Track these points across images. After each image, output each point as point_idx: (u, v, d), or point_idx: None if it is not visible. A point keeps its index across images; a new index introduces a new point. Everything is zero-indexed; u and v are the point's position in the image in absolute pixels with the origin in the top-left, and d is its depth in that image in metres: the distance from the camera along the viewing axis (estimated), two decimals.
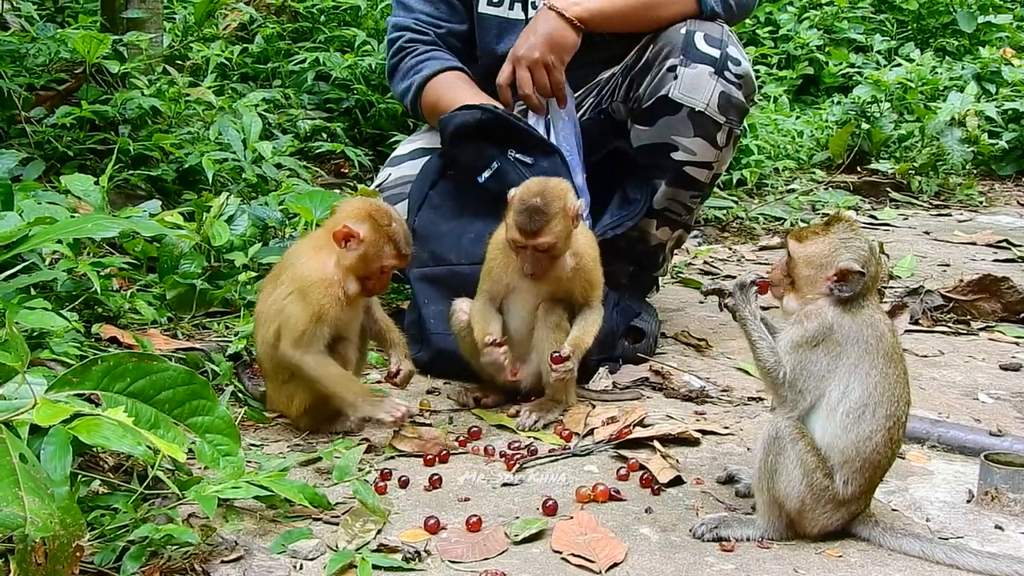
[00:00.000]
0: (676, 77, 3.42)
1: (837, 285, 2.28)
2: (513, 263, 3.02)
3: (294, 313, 2.78)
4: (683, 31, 3.46)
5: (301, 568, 2.15)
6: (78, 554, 1.76)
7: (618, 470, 2.69)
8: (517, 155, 3.39)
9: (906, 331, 4.09)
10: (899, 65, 8.70)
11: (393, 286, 3.99)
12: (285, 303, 2.80)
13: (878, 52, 9.63)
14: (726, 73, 3.42)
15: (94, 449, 2.31)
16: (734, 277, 2.46)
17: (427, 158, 3.71)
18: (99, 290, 3.11)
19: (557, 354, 2.96)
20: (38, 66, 4.41)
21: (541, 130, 3.52)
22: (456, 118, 3.46)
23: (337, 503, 2.41)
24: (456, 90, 3.63)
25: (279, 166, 4.56)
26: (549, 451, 2.83)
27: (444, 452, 2.76)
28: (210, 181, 4.15)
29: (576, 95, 3.68)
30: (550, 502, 2.44)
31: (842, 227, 2.32)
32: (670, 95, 3.43)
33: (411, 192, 3.60)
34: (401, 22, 3.83)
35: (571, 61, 3.47)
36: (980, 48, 9.36)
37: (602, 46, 3.62)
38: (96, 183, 3.61)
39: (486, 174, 3.39)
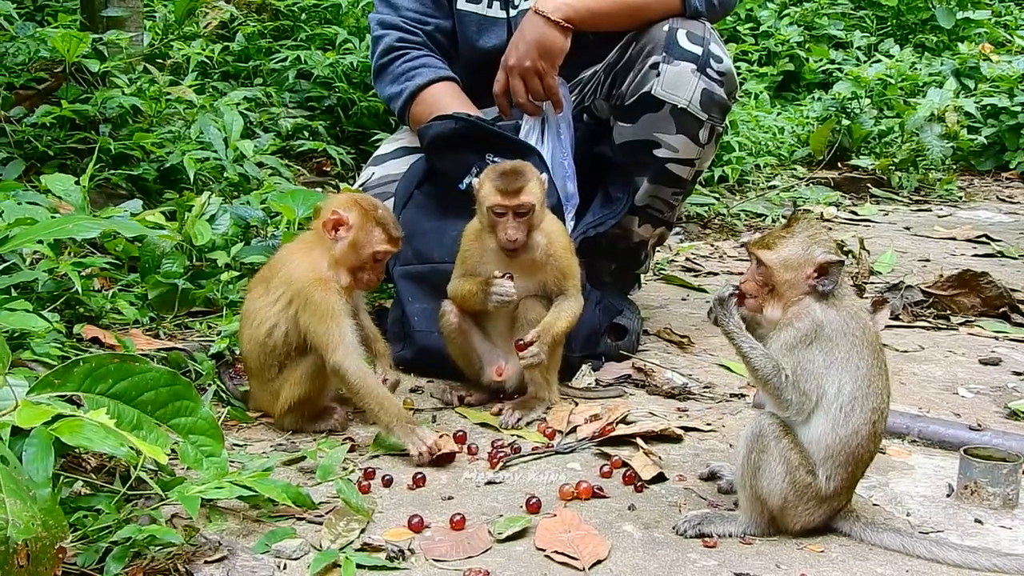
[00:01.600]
0: (659, 74, 3.43)
1: (819, 280, 2.30)
2: (488, 252, 3.03)
3: (310, 323, 2.78)
4: (665, 28, 3.46)
5: (285, 568, 2.15)
6: (61, 555, 1.75)
7: (601, 467, 2.70)
8: (495, 159, 3.39)
9: (887, 326, 4.11)
10: (879, 61, 8.74)
11: None
12: (295, 318, 2.80)
13: (858, 48, 9.67)
14: (708, 70, 3.44)
15: (76, 450, 2.30)
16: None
17: (410, 156, 3.71)
18: (80, 290, 3.09)
19: (520, 340, 2.97)
20: (17, 65, 4.38)
21: (535, 136, 3.53)
22: (432, 128, 3.47)
23: (321, 502, 2.41)
24: (447, 104, 3.60)
25: (261, 165, 4.54)
26: (532, 449, 2.83)
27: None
28: (191, 180, 4.14)
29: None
30: (533, 500, 2.45)
31: (804, 225, 2.35)
32: (653, 92, 3.44)
33: (397, 190, 3.61)
34: (388, 19, 3.81)
35: None
36: (959, 44, 9.42)
37: (586, 49, 3.62)
38: (77, 183, 3.59)
39: (467, 180, 3.39)
